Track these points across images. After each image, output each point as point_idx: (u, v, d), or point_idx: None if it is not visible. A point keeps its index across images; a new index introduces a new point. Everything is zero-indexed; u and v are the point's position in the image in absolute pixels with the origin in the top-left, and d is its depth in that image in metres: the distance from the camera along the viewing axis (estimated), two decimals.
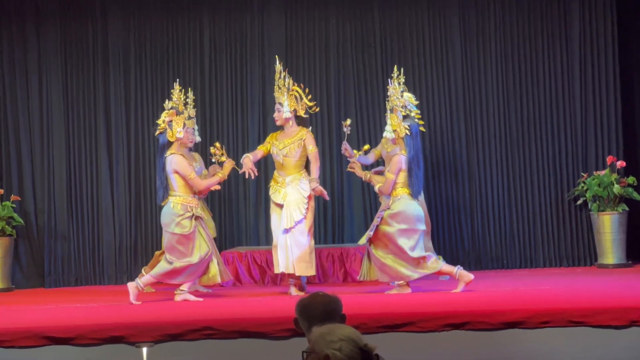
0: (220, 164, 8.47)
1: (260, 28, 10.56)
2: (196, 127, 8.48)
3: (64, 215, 10.45)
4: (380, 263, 8.13)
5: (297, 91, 8.48)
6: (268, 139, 8.66)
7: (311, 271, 8.37)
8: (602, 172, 9.80)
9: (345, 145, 8.48)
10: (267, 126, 10.20)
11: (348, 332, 3.20)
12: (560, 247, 10.20)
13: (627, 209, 9.74)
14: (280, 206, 8.34)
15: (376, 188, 8.38)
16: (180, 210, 8.17)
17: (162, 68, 10.56)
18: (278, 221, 8.35)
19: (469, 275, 8.07)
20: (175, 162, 8.20)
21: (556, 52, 10.32)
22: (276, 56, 8.86)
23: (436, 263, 8.11)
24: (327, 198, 8.67)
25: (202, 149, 10.37)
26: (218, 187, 8.51)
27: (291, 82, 8.49)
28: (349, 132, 8.46)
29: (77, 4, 10.59)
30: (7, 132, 10.55)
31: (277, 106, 8.50)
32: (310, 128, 8.61)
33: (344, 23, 10.50)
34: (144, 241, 10.34)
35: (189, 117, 8.36)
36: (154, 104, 10.47)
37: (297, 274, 8.26)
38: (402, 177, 8.14)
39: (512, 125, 10.32)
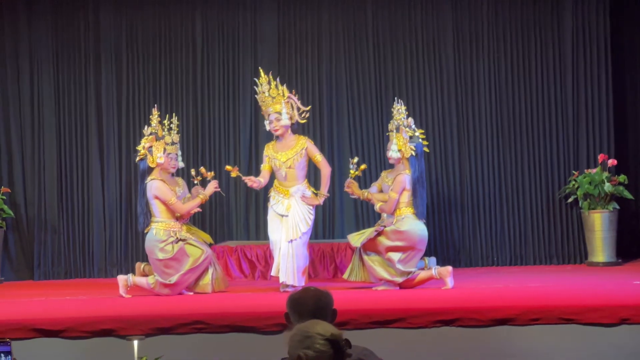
0: (202, 183, 8.42)
1: (252, 23, 10.53)
2: (179, 153, 8.44)
3: (54, 207, 10.42)
4: (368, 265, 8.17)
5: (291, 98, 8.45)
6: (265, 152, 8.52)
7: (305, 281, 8.32)
8: (594, 170, 9.81)
9: (348, 183, 8.41)
10: (259, 122, 10.18)
11: (316, 328, 3.21)
12: (550, 244, 10.21)
13: (617, 207, 9.75)
14: (283, 216, 8.30)
15: (377, 207, 8.34)
16: (163, 236, 8.14)
17: (154, 62, 10.53)
18: (279, 230, 8.26)
19: (447, 268, 8.10)
20: (155, 187, 8.18)
21: (548, 50, 10.32)
22: (260, 68, 8.76)
23: (419, 278, 8.15)
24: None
25: (193, 148, 10.40)
26: (199, 210, 8.51)
27: (285, 89, 8.46)
28: (354, 170, 8.36)
29: None
30: None
31: (274, 116, 8.34)
32: (307, 137, 8.62)
33: (337, 18, 10.48)
34: (134, 234, 10.30)
35: (172, 143, 8.31)
36: (145, 98, 10.45)
37: (296, 284, 8.20)
38: (406, 196, 8.16)
39: (503, 122, 10.32)
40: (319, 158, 8.43)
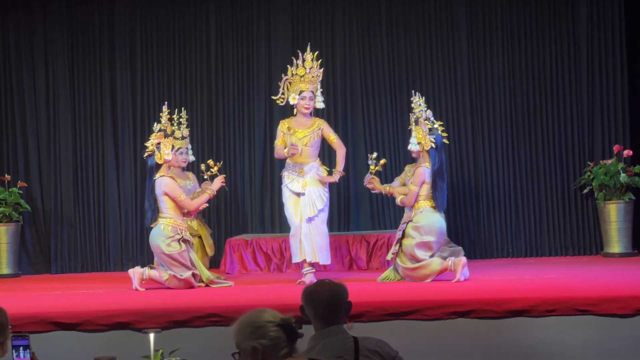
0: (212, 178, 8.45)
1: (266, 14, 10.54)
2: (189, 147, 8.49)
3: (70, 201, 10.48)
4: (408, 272, 8.12)
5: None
6: (280, 128, 8.52)
7: (329, 259, 8.39)
8: (609, 161, 9.78)
9: (368, 178, 8.42)
10: (273, 112, 10.21)
11: (263, 316, 3.21)
12: (566, 236, 10.19)
13: (633, 198, 9.73)
14: (299, 195, 8.32)
15: (398, 200, 8.38)
16: (170, 232, 8.20)
17: (168, 56, 10.57)
18: (296, 210, 8.29)
19: (461, 260, 8.07)
20: (165, 184, 8.21)
21: (563, 41, 10.28)
22: (308, 46, 8.71)
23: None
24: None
25: (208, 142, 10.42)
26: (206, 205, 8.54)
27: (321, 72, 8.52)
28: (373, 165, 8.36)
29: None
30: (14, 119, 10.58)
31: (309, 94, 8.40)
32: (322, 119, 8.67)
33: (350, 10, 10.48)
34: (150, 227, 10.34)
35: (182, 137, 8.38)
36: (159, 92, 10.50)
37: (320, 263, 8.24)
38: (425, 189, 8.17)
39: (518, 113, 10.29)
40: (334, 138, 8.51)
